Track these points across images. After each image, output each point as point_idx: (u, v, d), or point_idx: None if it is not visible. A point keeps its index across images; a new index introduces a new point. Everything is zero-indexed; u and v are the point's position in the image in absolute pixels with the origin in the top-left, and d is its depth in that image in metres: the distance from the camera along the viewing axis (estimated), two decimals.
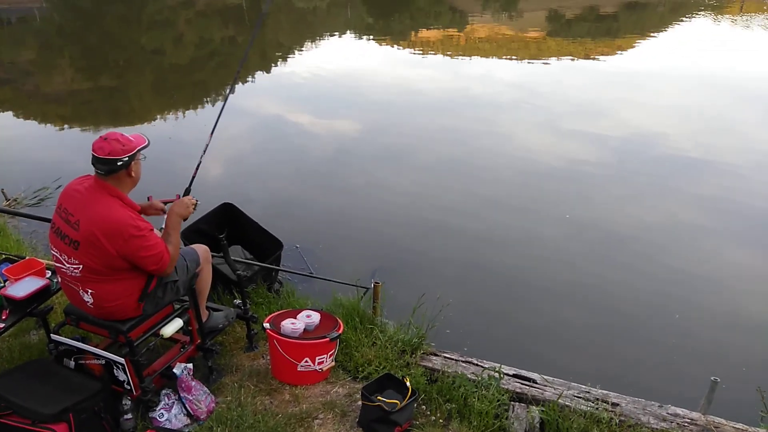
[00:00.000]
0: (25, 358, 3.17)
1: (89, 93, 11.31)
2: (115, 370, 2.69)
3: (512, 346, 4.01)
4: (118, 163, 2.43)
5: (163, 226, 2.74)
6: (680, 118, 8.70)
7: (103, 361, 2.70)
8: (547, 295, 4.63)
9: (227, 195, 4.96)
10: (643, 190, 6.42)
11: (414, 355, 3.22)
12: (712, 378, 2.78)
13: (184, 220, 2.81)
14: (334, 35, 16.88)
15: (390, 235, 5.58)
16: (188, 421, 2.77)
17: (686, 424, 2.78)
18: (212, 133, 3.17)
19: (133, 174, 2.51)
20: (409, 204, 6.19)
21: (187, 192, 3.01)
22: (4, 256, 3.50)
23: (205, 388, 2.89)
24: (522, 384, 3.03)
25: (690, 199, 6.21)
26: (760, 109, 9.07)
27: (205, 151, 3.14)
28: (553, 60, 13.07)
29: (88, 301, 2.54)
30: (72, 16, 21.52)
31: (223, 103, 3.55)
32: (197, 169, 3.13)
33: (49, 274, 3.08)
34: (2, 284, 2.99)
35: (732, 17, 16.38)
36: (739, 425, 2.81)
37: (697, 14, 16.88)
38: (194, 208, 2.86)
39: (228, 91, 3.60)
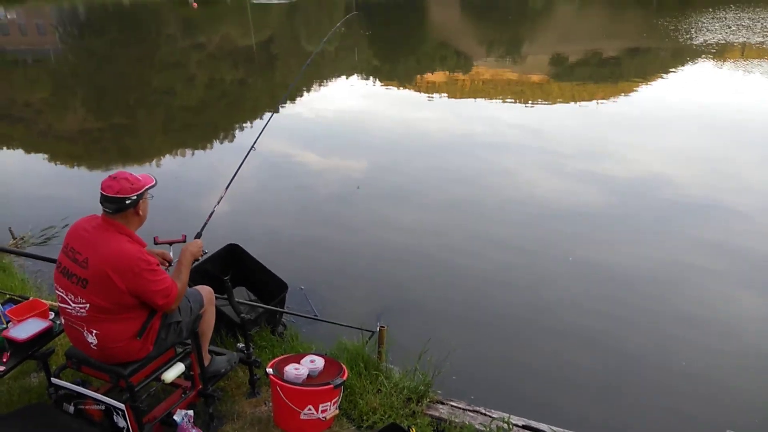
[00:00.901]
0: (24, 401, 3.11)
1: (100, 132, 11.49)
2: (114, 416, 2.63)
3: (521, 394, 3.92)
4: (126, 202, 2.47)
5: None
6: (684, 161, 8.73)
7: (103, 407, 2.65)
8: (556, 340, 4.56)
9: (231, 234, 4.96)
10: (648, 232, 6.39)
11: (420, 404, 3.15)
12: (727, 431, 2.70)
13: (195, 260, 2.84)
14: (342, 77, 17.20)
15: (395, 276, 5.54)
16: None
17: None
18: (227, 187, 3.33)
19: (140, 212, 2.56)
20: (414, 245, 6.17)
21: (198, 236, 3.06)
22: (7, 296, 3.48)
23: None
24: None
25: (695, 242, 6.17)
26: (763, 153, 9.09)
27: (219, 202, 3.25)
28: (556, 103, 13.25)
29: (92, 343, 2.52)
30: (86, 57, 22.09)
31: (242, 159, 3.66)
32: (210, 217, 3.21)
33: (52, 315, 3.06)
34: (4, 325, 2.96)
35: (734, 62, 16.62)
36: None
37: (698, 59, 17.15)
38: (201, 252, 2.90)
39: (250, 148, 3.72)
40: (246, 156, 3.71)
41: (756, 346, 4.49)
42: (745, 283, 5.42)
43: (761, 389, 4.00)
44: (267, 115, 12.50)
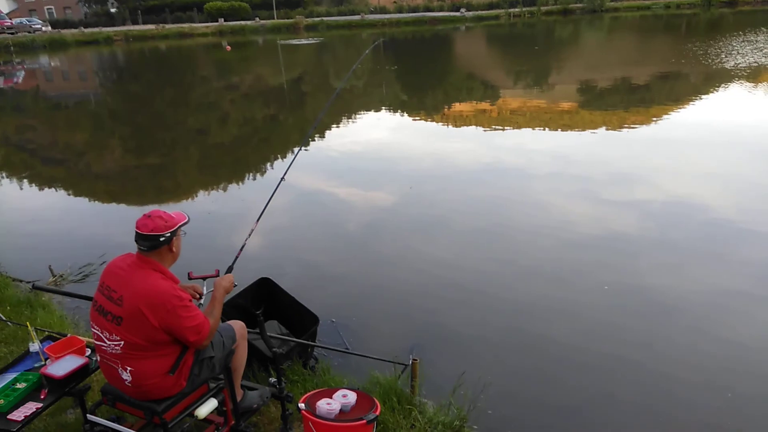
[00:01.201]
0: None
1: (136, 170, 11.86)
2: None
3: (558, 430, 3.76)
4: (161, 239, 2.52)
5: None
6: (720, 186, 8.49)
7: None
8: (594, 374, 4.40)
9: (262, 267, 5.00)
10: (686, 259, 6.19)
11: None
12: None
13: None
14: (370, 111, 17.45)
15: (427, 308, 5.47)
16: None
17: None
18: (258, 220, 3.40)
19: (174, 249, 2.60)
20: (446, 276, 6.09)
21: (229, 270, 3.10)
22: (46, 333, 3.55)
23: None
24: None
25: (736, 268, 5.93)
26: None
27: (250, 235, 3.31)
28: (587, 130, 13.13)
29: (126, 380, 2.54)
30: (124, 99, 23.01)
31: (272, 192, 3.76)
32: (241, 250, 3.27)
33: (89, 351, 3.10)
34: (43, 362, 3.01)
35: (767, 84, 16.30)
36: None
37: (731, 82, 16.86)
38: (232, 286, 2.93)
39: (280, 180, 3.82)
40: (276, 188, 3.78)
41: None
42: None
43: None
44: (296, 148, 12.75)
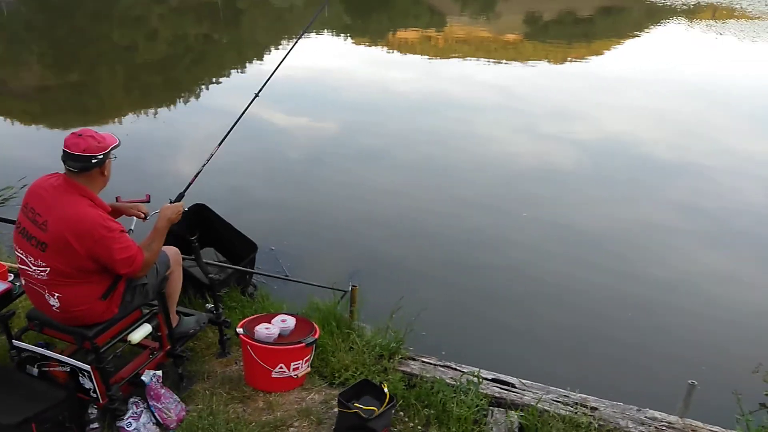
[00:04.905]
0: None
1: (57, 89, 11.01)
2: (80, 378, 2.58)
3: (490, 350, 3.98)
4: (93, 161, 2.35)
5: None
6: (655, 122, 8.83)
7: (68, 369, 2.59)
8: (525, 298, 4.64)
9: (197, 194, 4.80)
10: (617, 193, 6.49)
11: (392, 360, 3.17)
12: (689, 381, 2.79)
13: (173, 224, 2.75)
14: (311, 34, 16.74)
15: (367, 236, 5.52)
16: (157, 430, 2.67)
17: (664, 428, 2.78)
18: (220, 144, 3.15)
19: (105, 173, 2.44)
20: (386, 205, 6.14)
21: (179, 198, 2.95)
22: None
23: (175, 396, 2.79)
24: (501, 389, 3.00)
25: (664, 202, 6.29)
26: (733, 114, 9.25)
27: (208, 161, 3.09)
28: (530, 62, 13.17)
29: (54, 305, 2.44)
30: (40, 9, 20.95)
31: (240, 114, 3.43)
32: (196, 176, 3.08)
33: (11, 277, 2.95)
34: None
35: (706, 23, 16.72)
36: (716, 428, 2.82)
37: (671, 19, 17.19)
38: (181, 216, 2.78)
39: (251, 99, 3.46)
40: (248, 106, 3.43)
41: (717, 302, 4.64)
42: (710, 241, 5.57)
43: (722, 343, 4.16)
44: (239, 76, 12.14)
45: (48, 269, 2.36)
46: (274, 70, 3.39)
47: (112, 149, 2.43)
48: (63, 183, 2.39)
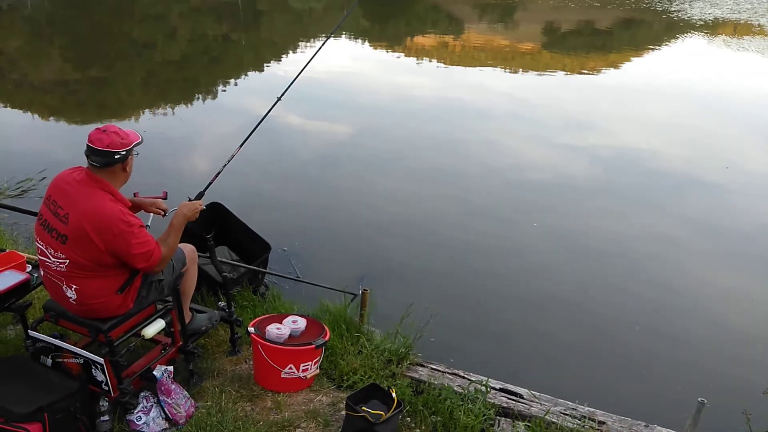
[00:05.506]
0: (0, 353, 3.07)
1: (77, 84, 11.14)
2: (93, 370, 2.61)
3: (499, 360, 3.98)
4: (116, 156, 2.39)
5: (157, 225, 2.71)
6: (671, 136, 8.77)
7: (82, 360, 2.63)
8: (534, 309, 4.62)
9: (214, 194, 4.86)
10: (629, 206, 6.44)
11: (400, 366, 3.18)
12: (698, 399, 2.77)
13: (190, 222, 2.78)
14: (329, 37, 16.84)
15: (379, 241, 5.54)
16: (166, 425, 2.70)
17: None
18: (242, 145, 3.16)
19: (127, 169, 2.48)
20: (399, 211, 6.15)
21: (199, 196, 2.99)
22: None
23: (185, 392, 2.82)
24: (508, 399, 3.00)
25: (676, 217, 6.24)
26: (750, 131, 9.17)
27: (229, 161, 3.12)
28: (547, 72, 13.15)
29: (71, 297, 2.48)
30: (63, 5, 21.25)
31: (263, 117, 3.47)
32: (216, 176, 3.11)
33: (29, 268, 2.99)
34: None
35: (726, 38, 16.60)
36: None
37: (691, 33, 17.08)
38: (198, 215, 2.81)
39: (274, 102, 3.50)
40: (270, 108, 3.50)
41: (728, 321, 4.60)
42: (724, 258, 5.52)
43: (733, 362, 4.11)
44: (257, 77, 12.22)
45: (67, 261, 2.40)
46: (297, 75, 3.43)
47: (134, 146, 2.47)
48: (85, 177, 2.43)
